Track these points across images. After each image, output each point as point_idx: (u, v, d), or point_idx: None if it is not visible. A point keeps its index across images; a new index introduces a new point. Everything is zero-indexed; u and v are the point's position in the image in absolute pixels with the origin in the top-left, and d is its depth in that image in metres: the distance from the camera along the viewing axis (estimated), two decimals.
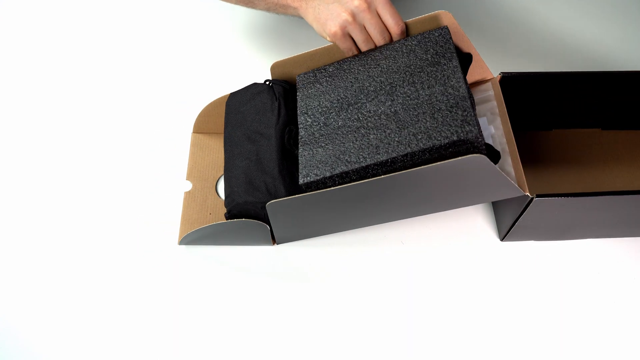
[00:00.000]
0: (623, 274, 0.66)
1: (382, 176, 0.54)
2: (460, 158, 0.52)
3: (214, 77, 0.84)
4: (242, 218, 0.63)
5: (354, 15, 0.62)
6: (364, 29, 0.63)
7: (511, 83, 0.67)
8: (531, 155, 0.75)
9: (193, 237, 0.66)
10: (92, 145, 0.78)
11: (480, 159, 0.52)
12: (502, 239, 0.68)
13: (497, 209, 0.69)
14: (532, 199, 0.58)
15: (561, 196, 0.58)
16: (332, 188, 0.56)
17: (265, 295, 0.65)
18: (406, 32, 0.64)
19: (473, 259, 0.68)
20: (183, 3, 0.95)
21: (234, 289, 0.66)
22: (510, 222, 0.64)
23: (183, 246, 0.68)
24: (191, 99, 0.81)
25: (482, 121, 0.65)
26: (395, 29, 0.63)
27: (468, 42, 0.64)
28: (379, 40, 0.64)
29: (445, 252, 0.68)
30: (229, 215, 0.64)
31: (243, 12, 0.93)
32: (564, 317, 0.63)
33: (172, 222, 0.70)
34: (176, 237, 0.69)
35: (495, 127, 0.64)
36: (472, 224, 0.70)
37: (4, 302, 0.65)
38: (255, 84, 0.71)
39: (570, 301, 0.65)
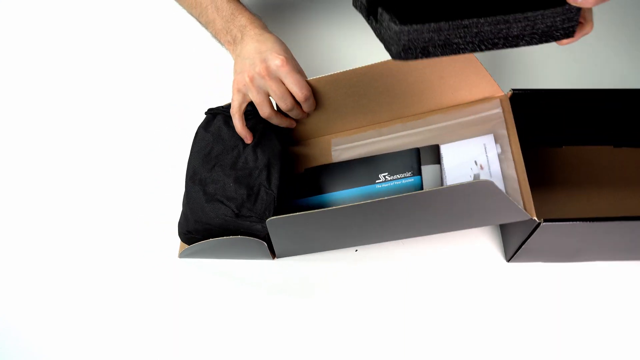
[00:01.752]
0: (634, 298, 0.64)
1: (385, 198, 0.53)
2: (466, 183, 0.51)
3: (216, 78, 0.83)
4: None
5: (252, 79, 0.63)
6: (260, 91, 0.64)
7: (521, 100, 0.66)
8: (540, 173, 0.73)
9: (192, 250, 0.65)
10: (93, 148, 0.78)
11: (488, 184, 0.51)
12: (508, 260, 0.67)
13: (504, 229, 0.68)
14: (539, 223, 0.56)
15: (569, 221, 0.56)
16: (334, 208, 0.54)
17: (264, 309, 0.65)
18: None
19: (478, 279, 0.66)
20: None
21: (233, 301, 0.65)
22: (517, 245, 0.62)
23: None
24: (193, 100, 0.80)
25: (489, 139, 0.63)
26: (299, 95, 0.63)
27: (475, 60, 0.62)
28: (280, 104, 0.64)
29: (450, 272, 0.66)
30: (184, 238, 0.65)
31: None
32: (571, 341, 0.62)
33: (173, 228, 0.69)
34: (177, 245, 0.68)
35: (502, 146, 0.62)
36: (478, 244, 0.68)
37: (2, 303, 0.65)
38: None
39: (578, 325, 0.63)
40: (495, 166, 0.61)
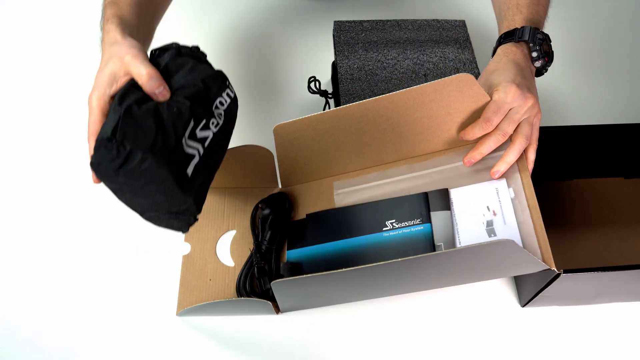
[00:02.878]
0: None
1: (400, 259, 0.50)
2: (487, 243, 0.48)
3: None
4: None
5: None
6: None
7: None
8: (551, 208, 0.70)
9: (192, 309, 0.61)
10: (84, 210, 0.74)
11: (510, 244, 0.48)
12: (523, 306, 0.64)
13: (518, 275, 0.65)
14: (559, 274, 0.53)
15: (590, 271, 0.54)
16: (343, 270, 0.51)
17: None
18: None
19: (493, 325, 0.63)
20: None
21: (235, 355, 0.62)
22: (533, 292, 0.60)
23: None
24: None
25: (501, 183, 0.60)
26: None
27: (484, 95, 0.59)
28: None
29: (463, 317, 0.64)
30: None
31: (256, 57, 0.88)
32: None
33: (170, 287, 0.66)
34: (174, 304, 0.64)
35: (515, 191, 0.59)
36: (491, 288, 0.65)
37: None
38: None
39: None
40: (509, 212, 0.58)
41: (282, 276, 0.61)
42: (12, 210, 0.73)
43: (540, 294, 0.59)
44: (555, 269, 0.53)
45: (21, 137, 0.80)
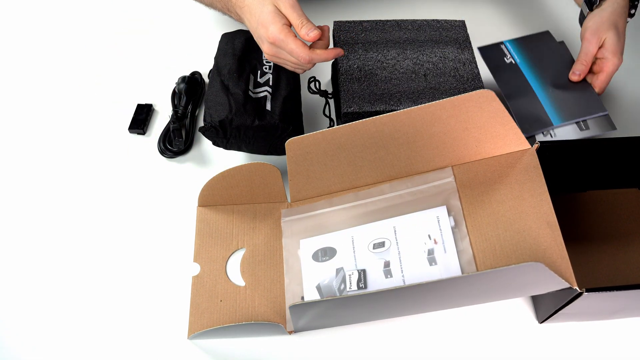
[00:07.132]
0: None
1: (423, 282, 0.48)
2: (515, 265, 0.46)
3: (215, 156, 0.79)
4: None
5: (267, 56, 0.66)
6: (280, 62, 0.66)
7: (546, 151, 0.62)
8: (565, 220, 0.69)
9: (203, 334, 0.60)
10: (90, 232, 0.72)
11: (539, 267, 0.47)
12: (540, 322, 0.63)
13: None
14: (580, 293, 0.52)
15: (614, 290, 0.52)
16: (363, 293, 0.50)
17: None
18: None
19: (510, 342, 0.62)
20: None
21: None
22: (552, 310, 0.59)
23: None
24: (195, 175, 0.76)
25: (442, 212, 0.61)
26: (303, 63, 0.63)
27: (507, 114, 0.58)
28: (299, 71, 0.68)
29: (479, 335, 0.62)
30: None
31: None
32: None
33: (181, 310, 0.64)
34: (185, 327, 0.63)
35: (455, 220, 0.60)
36: (507, 305, 0.64)
37: None
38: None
39: None
40: (450, 241, 0.60)
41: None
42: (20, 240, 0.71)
43: (559, 312, 0.58)
44: (577, 288, 0.52)
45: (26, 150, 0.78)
